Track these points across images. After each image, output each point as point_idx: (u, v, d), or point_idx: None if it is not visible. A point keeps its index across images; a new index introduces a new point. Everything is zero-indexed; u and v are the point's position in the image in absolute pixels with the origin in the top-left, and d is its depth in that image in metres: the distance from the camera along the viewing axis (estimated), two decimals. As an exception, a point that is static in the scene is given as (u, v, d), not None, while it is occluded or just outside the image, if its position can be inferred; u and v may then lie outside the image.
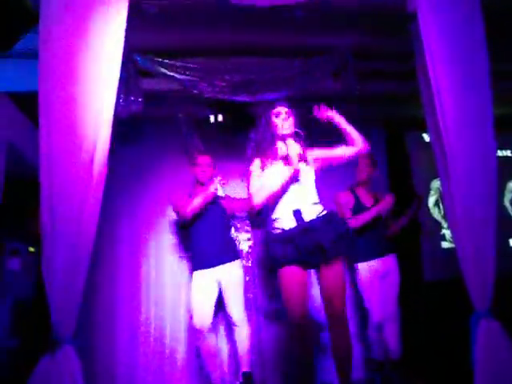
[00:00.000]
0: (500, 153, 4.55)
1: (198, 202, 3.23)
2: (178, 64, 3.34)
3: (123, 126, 3.01)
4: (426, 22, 2.38)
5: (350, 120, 4.05)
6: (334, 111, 2.55)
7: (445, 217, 4.01)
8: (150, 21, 2.99)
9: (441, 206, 4.22)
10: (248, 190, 2.41)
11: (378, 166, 4.27)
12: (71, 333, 2.01)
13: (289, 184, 2.34)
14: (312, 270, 2.40)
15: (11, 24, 2.65)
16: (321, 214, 2.33)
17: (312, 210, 2.32)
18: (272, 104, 2.58)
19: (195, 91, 3.36)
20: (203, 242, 3.28)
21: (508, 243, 4.39)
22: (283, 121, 2.46)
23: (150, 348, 3.67)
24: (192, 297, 3.24)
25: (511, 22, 3.15)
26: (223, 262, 3.24)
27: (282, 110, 2.50)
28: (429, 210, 4.33)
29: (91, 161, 2.04)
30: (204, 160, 3.43)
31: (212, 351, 3.20)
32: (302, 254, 2.23)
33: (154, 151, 3.98)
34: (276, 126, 2.47)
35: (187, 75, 3.31)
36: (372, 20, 3.09)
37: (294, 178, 2.34)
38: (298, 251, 2.23)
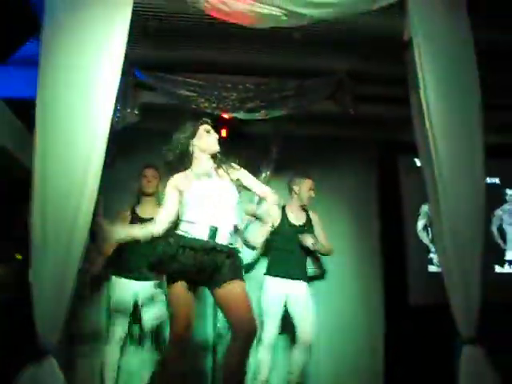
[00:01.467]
0: (488, 180, 4.63)
1: None
2: (177, 79, 3.39)
3: (118, 137, 3.02)
4: (420, 50, 2.43)
5: (344, 141, 4.20)
6: (239, 170, 2.52)
7: (433, 241, 4.03)
8: (150, 36, 3.05)
9: (429, 231, 4.25)
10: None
11: (370, 187, 4.34)
12: (56, 344, 1.99)
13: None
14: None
15: (12, 32, 2.68)
16: (229, 244, 2.34)
17: (225, 237, 2.33)
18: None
19: (193, 106, 3.40)
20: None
21: (494, 269, 4.44)
22: (212, 137, 2.48)
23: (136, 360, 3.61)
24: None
25: (501, 59, 3.27)
26: None
27: (211, 127, 2.52)
28: (417, 233, 4.37)
29: (86, 171, 2.04)
30: (150, 172, 3.46)
31: None
32: (198, 268, 2.22)
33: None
34: (205, 142, 2.47)
35: (185, 90, 3.36)
36: (369, 45, 3.16)
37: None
38: (196, 264, 2.22)
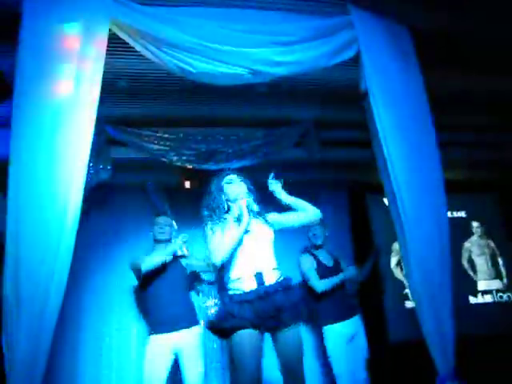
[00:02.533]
0: (455, 214, 4.81)
1: (155, 259, 3.10)
2: (147, 134, 3.46)
3: (91, 193, 3.04)
4: (376, 98, 2.61)
5: (315, 184, 4.33)
6: (277, 185, 2.59)
7: (406, 277, 4.12)
8: (121, 93, 3.15)
9: (402, 266, 4.35)
10: (209, 248, 2.41)
11: (343, 226, 4.44)
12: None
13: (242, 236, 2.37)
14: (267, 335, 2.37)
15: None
16: (279, 280, 2.36)
17: (272, 275, 2.35)
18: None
19: (164, 159, 3.47)
20: (160, 303, 3.12)
21: (469, 301, 4.53)
22: (235, 187, 2.52)
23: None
24: (145, 362, 3.05)
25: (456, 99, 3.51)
26: (181, 328, 3.09)
27: (233, 177, 2.56)
28: (391, 270, 4.45)
29: (61, 232, 2.05)
30: (162, 219, 3.40)
31: None
32: (260, 316, 2.22)
33: (121, 217, 3.99)
34: (228, 192, 2.51)
35: (156, 144, 3.43)
36: (330, 96, 3.35)
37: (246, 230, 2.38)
38: (256, 314, 2.23)
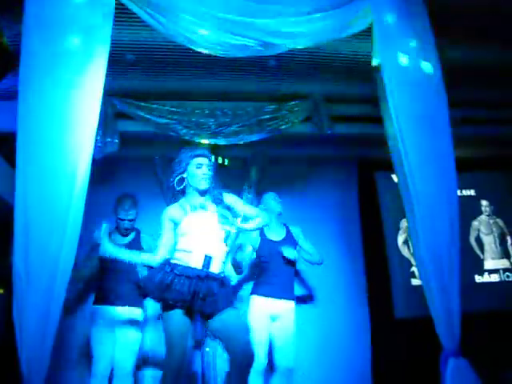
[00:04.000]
0: (464, 192, 4.76)
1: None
2: (155, 107, 3.43)
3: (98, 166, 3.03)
4: (389, 73, 2.54)
5: (323, 160, 4.30)
6: (232, 197, 2.53)
7: (413, 255, 4.12)
8: (129, 66, 3.11)
9: (410, 245, 4.34)
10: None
11: (350, 204, 4.42)
12: (42, 382, 1.95)
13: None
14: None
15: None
16: (221, 274, 2.40)
17: (218, 266, 2.38)
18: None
19: (171, 133, 3.44)
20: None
21: (475, 280, 4.53)
22: (203, 173, 2.44)
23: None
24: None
25: (467, 71, 3.42)
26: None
27: (204, 161, 2.47)
28: (398, 248, 4.45)
29: (69, 204, 2.05)
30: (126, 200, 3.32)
31: None
32: (192, 295, 2.25)
33: (127, 191, 3.99)
34: (195, 179, 2.44)
35: (164, 118, 3.40)
36: (342, 69, 3.27)
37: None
38: (190, 291, 2.25)
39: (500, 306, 4.34)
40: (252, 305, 3.34)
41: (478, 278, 4.54)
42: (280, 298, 3.32)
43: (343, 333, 3.99)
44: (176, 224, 2.41)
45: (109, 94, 3.00)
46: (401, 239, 4.45)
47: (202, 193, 2.46)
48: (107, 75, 2.25)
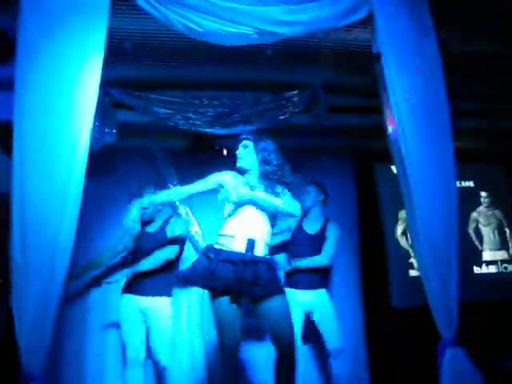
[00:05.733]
0: (463, 183, 4.76)
1: None
2: (153, 97, 3.41)
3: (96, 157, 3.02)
4: (388, 63, 2.53)
5: (321, 151, 4.29)
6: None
7: (412, 246, 4.13)
8: (126, 56, 3.08)
9: (408, 236, 4.34)
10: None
11: (348, 196, 4.42)
12: (41, 372, 1.96)
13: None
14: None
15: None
16: (266, 256, 2.39)
17: (262, 248, 2.37)
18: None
19: (170, 123, 3.42)
20: None
21: (473, 270, 4.54)
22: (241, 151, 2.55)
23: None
24: None
25: (468, 63, 3.39)
26: None
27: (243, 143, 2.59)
28: (396, 239, 4.45)
29: (65, 193, 2.05)
30: None
31: None
32: (238, 280, 2.24)
33: (126, 182, 3.98)
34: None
35: (162, 108, 3.38)
36: (341, 58, 3.25)
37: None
38: (236, 277, 2.24)
39: (498, 296, 4.37)
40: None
41: (476, 269, 4.55)
42: (312, 288, 3.36)
43: (339, 322, 3.99)
44: (221, 186, 2.44)
45: (106, 83, 2.96)
46: (399, 230, 4.46)
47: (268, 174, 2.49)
48: (104, 64, 2.24)
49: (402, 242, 4.44)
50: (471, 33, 3.20)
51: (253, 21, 2.33)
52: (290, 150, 4.26)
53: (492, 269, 4.58)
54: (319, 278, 3.43)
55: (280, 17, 2.38)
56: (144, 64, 3.32)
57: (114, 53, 2.87)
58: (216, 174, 2.50)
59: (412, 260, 4.33)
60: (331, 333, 3.31)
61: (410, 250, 4.32)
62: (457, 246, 2.47)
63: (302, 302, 3.31)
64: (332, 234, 3.49)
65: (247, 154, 2.55)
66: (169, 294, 3.23)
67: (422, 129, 2.53)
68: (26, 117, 2.08)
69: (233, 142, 3.96)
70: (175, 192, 2.64)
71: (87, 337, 3.67)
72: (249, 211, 2.38)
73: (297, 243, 3.50)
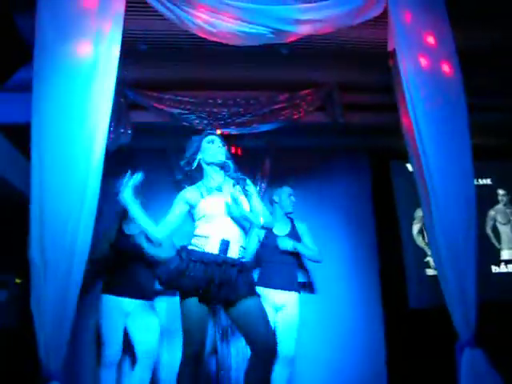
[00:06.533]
0: (480, 181, 4.68)
1: None
2: (168, 97, 3.43)
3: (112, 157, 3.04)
4: (404, 59, 2.50)
5: (336, 150, 4.27)
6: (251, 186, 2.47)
7: (428, 244, 4.08)
8: (141, 57, 3.10)
9: (425, 234, 4.29)
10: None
11: (364, 194, 4.39)
12: (59, 369, 1.99)
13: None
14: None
15: (5, 60, 2.71)
16: (240, 258, 2.33)
17: (236, 250, 2.32)
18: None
19: (184, 123, 3.44)
20: None
21: (491, 270, 4.47)
22: (214, 147, 2.43)
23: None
24: None
25: (485, 60, 3.34)
26: None
27: (215, 138, 2.47)
28: (413, 238, 4.41)
29: (83, 194, 2.07)
30: None
31: None
32: (208, 282, 2.19)
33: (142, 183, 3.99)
34: (208, 153, 2.42)
35: (177, 108, 3.40)
36: (355, 57, 3.23)
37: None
38: (206, 277, 2.19)
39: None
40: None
41: (494, 269, 4.48)
42: (282, 289, 3.28)
43: (357, 323, 3.98)
44: (192, 207, 2.37)
45: (121, 84, 2.99)
46: (416, 228, 4.41)
47: (221, 168, 2.41)
48: (120, 66, 2.26)
49: (419, 240, 4.40)
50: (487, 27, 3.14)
51: (268, 20, 2.32)
52: (305, 150, 4.31)
53: (511, 268, 4.50)
54: (295, 279, 3.37)
55: (295, 16, 2.37)
56: (159, 65, 3.35)
57: (130, 54, 2.90)
58: (177, 199, 2.41)
59: (428, 259, 4.29)
60: (287, 338, 3.19)
61: (427, 249, 4.28)
62: (475, 245, 2.44)
63: (273, 301, 3.24)
64: (306, 233, 3.45)
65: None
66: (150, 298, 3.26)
67: (438, 126, 2.50)
68: (43, 118, 2.11)
69: (247, 141, 4.03)
70: (158, 230, 2.36)
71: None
72: (223, 211, 2.33)
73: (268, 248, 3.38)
